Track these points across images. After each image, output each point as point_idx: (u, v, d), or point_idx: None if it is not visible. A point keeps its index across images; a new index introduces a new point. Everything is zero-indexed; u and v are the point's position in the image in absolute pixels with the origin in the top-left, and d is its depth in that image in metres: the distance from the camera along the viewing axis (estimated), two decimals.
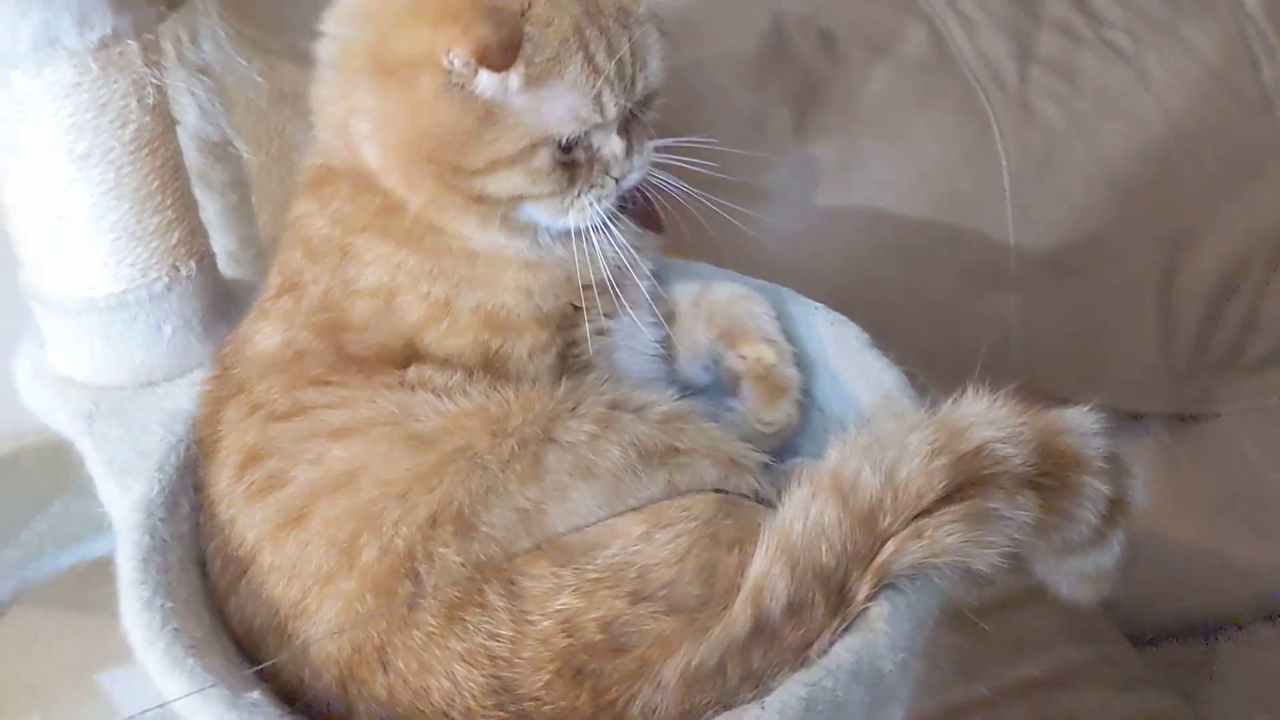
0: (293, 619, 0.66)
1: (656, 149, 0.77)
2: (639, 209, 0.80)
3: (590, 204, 0.73)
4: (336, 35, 0.74)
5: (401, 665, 0.63)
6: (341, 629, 0.64)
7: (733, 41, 1.22)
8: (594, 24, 0.70)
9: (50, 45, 0.67)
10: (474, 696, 0.61)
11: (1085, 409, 0.68)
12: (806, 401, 0.83)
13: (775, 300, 0.86)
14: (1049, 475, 0.65)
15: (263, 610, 0.68)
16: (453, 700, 0.62)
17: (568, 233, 0.75)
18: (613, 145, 0.73)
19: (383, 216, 0.74)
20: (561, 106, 0.69)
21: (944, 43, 1.27)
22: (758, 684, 0.60)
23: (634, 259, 0.76)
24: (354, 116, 0.72)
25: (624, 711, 0.60)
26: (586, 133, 0.71)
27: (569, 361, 0.77)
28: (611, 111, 0.71)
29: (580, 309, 0.77)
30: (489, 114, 0.68)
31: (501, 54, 0.66)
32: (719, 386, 0.84)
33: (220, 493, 0.71)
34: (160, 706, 0.59)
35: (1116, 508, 0.68)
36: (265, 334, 0.75)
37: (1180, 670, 1.30)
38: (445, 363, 0.73)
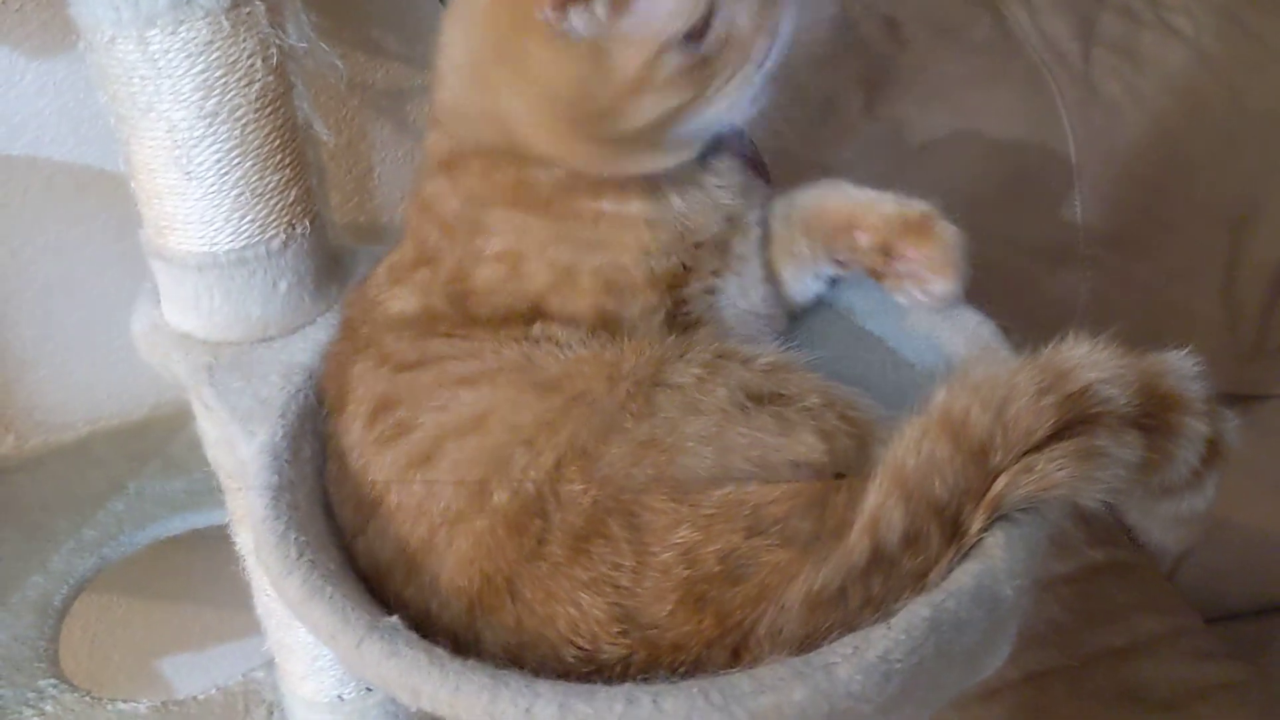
0: (422, 553, 0.68)
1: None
2: (748, 155, 0.82)
3: (738, 88, 0.71)
4: (459, 41, 0.76)
5: (529, 594, 0.65)
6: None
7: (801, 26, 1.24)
8: None
9: (188, 3, 0.71)
10: (599, 623, 0.63)
11: (1184, 352, 0.70)
12: (899, 363, 0.86)
13: None
14: (1152, 416, 0.66)
15: (390, 546, 0.70)
16: (578, 627, 0.63)
17: (687, 183, 0.77)
18: (748, 9, 0.69)
19: (513, 190, 0.76)
20: (660, 3, 0.67)
21: (1007, 25, 1.29)
22: (879, 608, 0.61)
23: (745, 207, 0.78)
24: (502, 108, 0.74)
25: (750, 632, 0.62)
26: (708, 18, 0.68)
27: (678, 319, 0.79)
28: None
29: (690, 269, 0.79)
30: (597, 49, 0.68)
31: None
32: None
33: (351, 443, 0.74)
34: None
35: (1214, 449, 0.68)
36: (401, 298, 0.78)
37: (1245, 647, 1.29)
38: (568, 321, 0.75)
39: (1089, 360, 0.67)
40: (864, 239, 0.80)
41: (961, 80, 1.24)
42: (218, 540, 1.08)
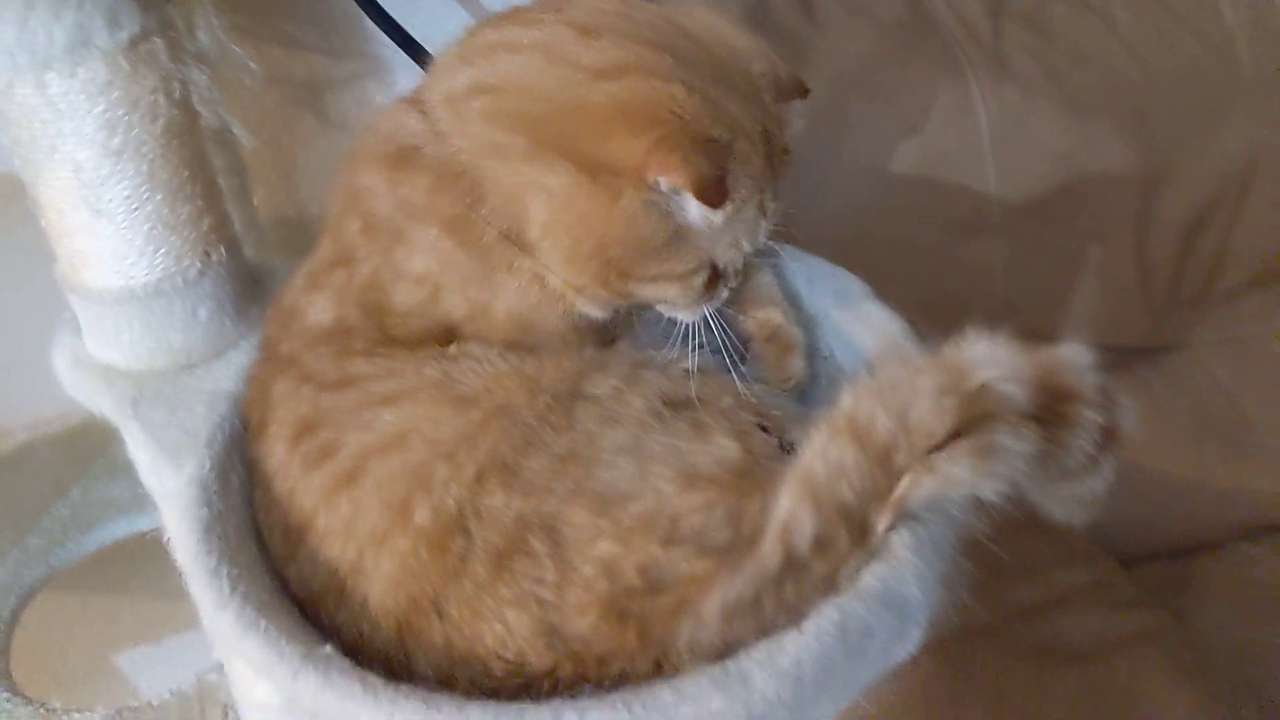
0: (351, 576, 0.70)
1: None
2: None
3: (707, 306, 0.79)
4: (522, 100, 0.74)
5: (455, 613, 0.66)
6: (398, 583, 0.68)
7: (717, 11, 1.24)
8: (769, 165, 0.74)
9: (84, 46, 0.70)
10: (525, 639, 0.65)
11: (1079, 344, 0.72)
12: (814, 355, 0.88)
13: (776, 259, 0.90)
14: (1048, 409, 0.68)
15: (321, 573, 0.71)
16: (505, 643, 0.65)
17: None
18: (737, 263, 0.79)
19: (455, 222, 0.75)
20: (730, 238, 0.74)
21: (919, 1, 1.31)
22: (792, 613, 0.64)
23: None
24: (530, 185, 0.73)
25: (669, 646, 0.64)
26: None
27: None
28: (762, 244, 0.77)
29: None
30: (677, 235, 0.72)
31: (717, 190, 0.69)
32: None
33: (275, 467, 0.74)
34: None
35: (1109, 435, 0.71)
36: (319, 307, 0.78)
37: (1164, 589, 1.36)
38: (482, 340, 0.77)
39: (987, 358, 0.68)
40: (745, 323, 0.89)
41: (876, 60, 1.25)
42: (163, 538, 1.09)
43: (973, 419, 0.66)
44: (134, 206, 0.77)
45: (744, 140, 0.72)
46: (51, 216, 0.78)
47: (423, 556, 0.68)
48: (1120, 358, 1.45)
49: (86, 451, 1.27)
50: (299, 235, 1.40)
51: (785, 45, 1.26)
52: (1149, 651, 1.14)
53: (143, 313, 0.81)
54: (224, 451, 0.76)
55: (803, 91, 0.80)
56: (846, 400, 0.69)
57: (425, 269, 0.76)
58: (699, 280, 0.76)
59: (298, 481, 0.73)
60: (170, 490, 0.76)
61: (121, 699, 1.52)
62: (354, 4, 1.21)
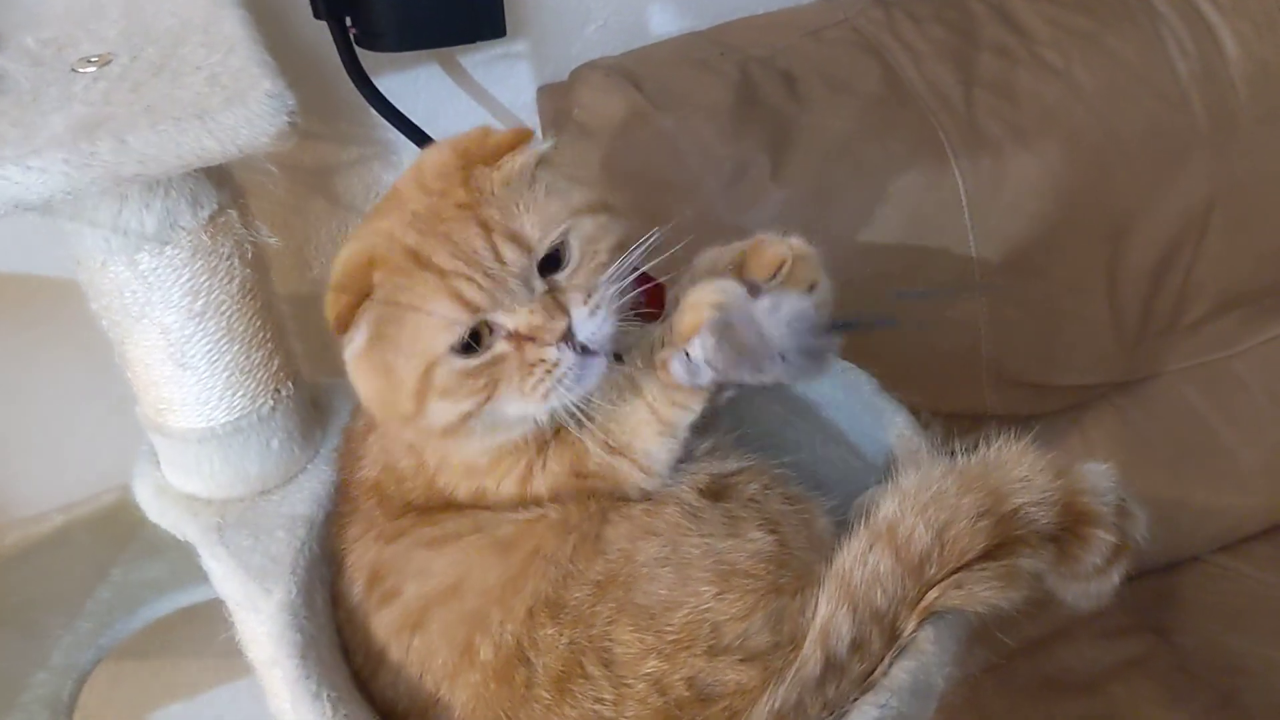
0: (431, 706, 0.77)
1: (624, 274, 0.76)
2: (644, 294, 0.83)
3: (549, 385, 0.73)
4: None
5: None
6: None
7: (710, 96, 1.32)
8: (428, 237, 0.72)
9: (171, 228, 0.77)
10: None
11: (1103, 466, 0.78)
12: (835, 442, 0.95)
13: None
14: (1067, 529, 0.76)
15: (403, 697, 0.79)
16: None
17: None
18: (519, 320, 0.71)
19: None
20: (424, 325, 0.72)
21: (895, 74, 1.38)
22: (833, 711, 0.72)
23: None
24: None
25: None
26: (479, 328, 0.72)
27: None
28: (480, 299, 0.71)
29: None
30: (387, 365, 0.75)
31: (347, 320, 0.74)
32: None
33: (354, 603, 0.83)
34: None
35: (1119, 550, 0.79)
36: (365, 464, 0.86)
37: (1148, 605, 1.46)
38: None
39: (1023, 481, 0.76)
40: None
41: (857, 135, 1.33)
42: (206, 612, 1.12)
43: (1002, 542, 0.74)
44: (214, 359, 0.84)
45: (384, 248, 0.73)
46: (138, 369, 0.85)
47: (492, 687, 0.75)
48: (1098, 392, 1.55)
49: (122, 533, 1.32)
50: (312, 311, 1.47)
51: (772, 123, 1.34)
52: (1140, 675, 1.24)
53: (222, 448, 0.88)
54: (307, 576, 0.84)
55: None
56: (890, 508, 0.76)
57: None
58: (445, 379, 0.73)
59: (372, 616, 0.81)
60: (260, 613, 0.83)
61: None
62: (358, 94, 1.29)
